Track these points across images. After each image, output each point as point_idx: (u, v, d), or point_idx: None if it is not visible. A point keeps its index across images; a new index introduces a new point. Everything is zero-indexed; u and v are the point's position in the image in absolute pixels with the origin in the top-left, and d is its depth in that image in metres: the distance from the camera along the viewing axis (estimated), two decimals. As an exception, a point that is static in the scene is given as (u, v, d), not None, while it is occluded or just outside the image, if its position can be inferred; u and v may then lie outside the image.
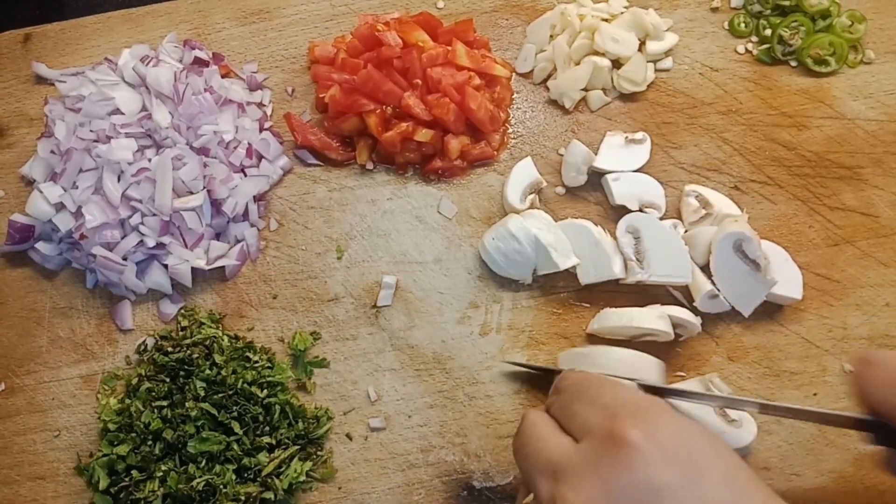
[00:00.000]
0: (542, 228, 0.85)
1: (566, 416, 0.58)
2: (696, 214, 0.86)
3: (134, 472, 0.79)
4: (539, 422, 0.60)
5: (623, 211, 0.88)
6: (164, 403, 0.81)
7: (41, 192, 0.88)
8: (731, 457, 0.52)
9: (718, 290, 0.82)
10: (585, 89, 0.96)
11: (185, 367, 0.83)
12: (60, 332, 0.90)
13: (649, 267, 0.82)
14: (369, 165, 0.95)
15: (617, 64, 0.96)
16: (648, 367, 0.77)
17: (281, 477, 0.79)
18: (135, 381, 0.84)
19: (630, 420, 0.52)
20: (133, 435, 0.80)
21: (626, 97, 0.97)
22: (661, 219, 0.87)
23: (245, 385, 0.81)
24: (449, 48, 0.92)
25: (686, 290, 0.86)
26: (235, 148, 0.92)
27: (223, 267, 0.90)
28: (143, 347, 0.87)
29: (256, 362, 0.84)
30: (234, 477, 0.78)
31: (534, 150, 0.95)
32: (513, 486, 0.80)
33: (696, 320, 0.81)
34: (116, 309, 0.90)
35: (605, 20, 0.97)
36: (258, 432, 0.80)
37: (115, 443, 0.81)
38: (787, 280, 0.82)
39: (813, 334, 0.84)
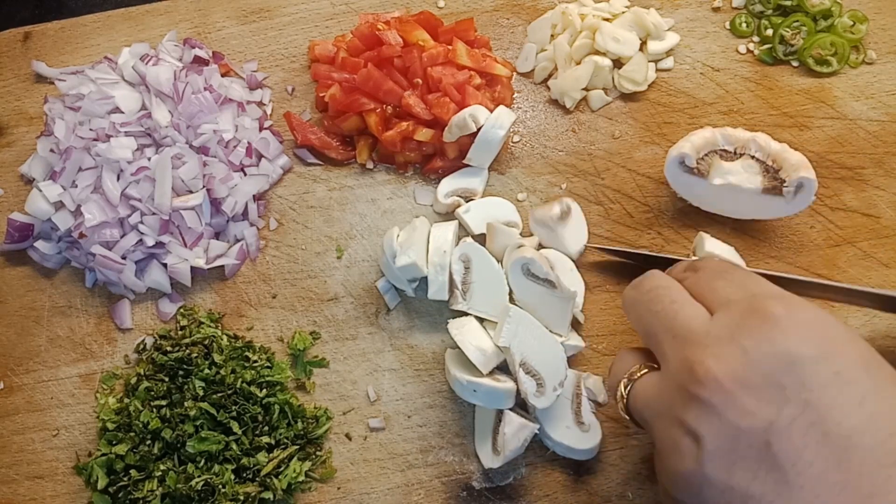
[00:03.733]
0: (416, 227, 0.85)
1: (704, 290, 0.59)
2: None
3: (133, 472, 0.79)
4: (673, 286, 0.61)
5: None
6: (163, 403, 0.81)
7: (40, 190, 0.88)
8: (865, 345, 0.53)
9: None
10: (586, 89, 0.96)
11: (184, 366, 0.82)
12: (59, 330, 0.90)
13: (471, 299, 0.81)
14: (369, 165, 0.95)
15: (618, 64, 0.96)
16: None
17: (280, 477, 0.79)
18: (134, 380, 0.84)
19: (772, 299, 0.53)
20: (132, 434, 0.80)
21: (627, 97, 0.96)
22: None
23: (244, 385, 0.81)
24: (449, 47, 0.92)
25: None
26: (235, 147, 0.92)
27: (222, 266, 0.90)
28: (142, 347, 0.87)
29: (255, 362, 0.84)
30: (232, 477, 0.78)
31: (534, 149, 0.95)
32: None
33: None
34: (115, 308, 0.90)
35: (607, 20, 0.96)
36: (257, 432, 0.80)
37: (114, 442, 0.80)
38: None
39: (814, 335, 0.84)
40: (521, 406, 0.79)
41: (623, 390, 0.62)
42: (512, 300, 0.81)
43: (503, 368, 0.78)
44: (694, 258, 0.74)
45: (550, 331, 0.79)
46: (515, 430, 0.74)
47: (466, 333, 0.77)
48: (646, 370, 0.61)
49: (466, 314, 0.82)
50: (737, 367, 0.51)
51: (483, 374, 0.76)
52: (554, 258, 0.86)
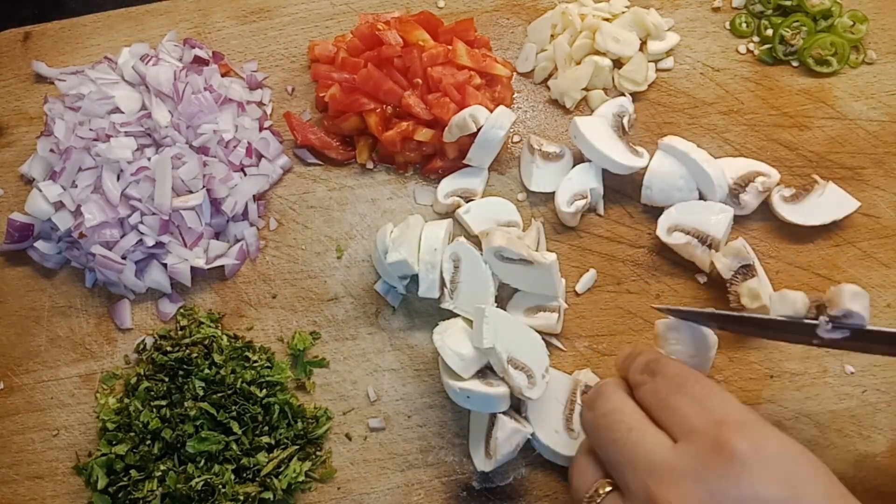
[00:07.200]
0: (409, 225, 0.85)
1: (662, 407, 0.58)
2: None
3: (132, 472, 0.79)
4: (628, 409, 0.59)
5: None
6: (163, 403, 0.81)
7: (40, 190, 0.88)
8: (829, 477, 0.52)
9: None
10: (586, 89, 0.96)
11: (184, 366, 0.82)
12: (59, 331, 0.90)
13: (457, 298, 0.82)
14: (369, 165, 0.95)
15: (618, 64, 0.96)
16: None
17: (280, 477, 0.79)
18: (134, 380, 0.84)
19: (737, 431, 0.52)
20: (132, 434, 0.80)
21: (627, 97, 0.96)
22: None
23: (244, 385, 0.81)
24: (449, 47, 0.92)
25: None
26: (235, 147, 0.92)
27: (222, 266, 0.90)
28: (142, 347, 0.87)
29: (256, 362, 0.84)
30: (232, 477, 0.78)
31: (534, 149, 0.95)
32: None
33: None
34: (115, 308, 0.90)
35: (607, 20, 0.96)
36: (257, 432, 0.80)
37: (114, 442, 0.80)
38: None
39: (814, 335, 0.84)
40: (515, 409, 0.79)
41: None
42: (495, 302, 0.82)
43: (495, 371, 0.78)
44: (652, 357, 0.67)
45: (545, 304, 0.81)
46: (508, 435, 0.74)
47: (448, 339, 0.77)
48: (609, 488, 0.59)
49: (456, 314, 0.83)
50: None
51: (464, 378, 0.76)
52: (527, 235, 0.86)
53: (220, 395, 0.80)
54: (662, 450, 0.55)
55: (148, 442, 0.80)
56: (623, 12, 0.98)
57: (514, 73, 0.99)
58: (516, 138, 0.96)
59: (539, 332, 0.80)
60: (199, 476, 0.77)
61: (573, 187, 0.88)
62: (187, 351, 0.83)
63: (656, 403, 0.59)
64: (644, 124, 0.94)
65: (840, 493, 0.52)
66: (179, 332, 0.87)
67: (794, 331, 0.68)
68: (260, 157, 0.94)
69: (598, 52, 0.95)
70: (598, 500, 0.58)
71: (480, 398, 0.74)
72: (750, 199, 0.85)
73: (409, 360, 0.86)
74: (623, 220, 0.90)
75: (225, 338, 0.86)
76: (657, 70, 0.97)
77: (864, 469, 0.78)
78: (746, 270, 0.80)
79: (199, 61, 0.96)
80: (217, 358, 0.82)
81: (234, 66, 1.00)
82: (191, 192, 0.88)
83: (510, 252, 0.79)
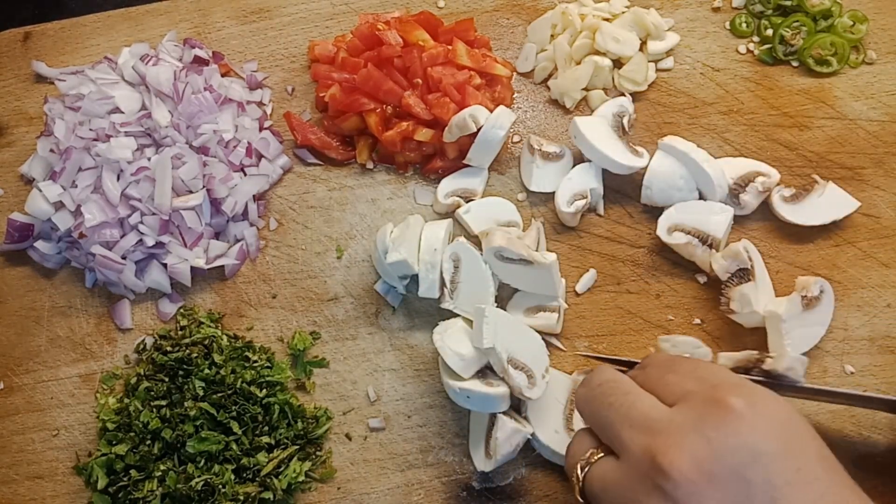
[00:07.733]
0: (409, 225, 0.85)
1: (656, 385, 0.59)
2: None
3: (132, 472, 0.79)
4: (623, 379, 0.61)
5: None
6: (163, 403, 0.81)
7: (40, 190, 0.88)
8: (819, 440, 0.54)
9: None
10: (586, 89, 0.96)
11: (184, 366, 0.82)
12: (59, 331, 0.90)
13: (457, 298, 0.83)
14: (369, 165, 0.95)
15: (618, 64, 0.96)
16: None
17: (280, 477, 0.79)
18: (133, 380, 0.84)
19: (733, 390, 0.53)
20: (132, 434, 0.80)
21: (627, 97, 0.96)
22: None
23: (244, 385, 0.81)
24: (449, 47, 0.92)
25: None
26: (235, 147, 0.92)
27: (222, 266, 0.90)
28: (142, 347, 0.87)
29: (256, 362, 0.84)
30: (232, 477, 0.78)
31: (534, 149, 0.95)
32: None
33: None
34: (115, 308, 0.90)
35: (607, 20, 0.96)
36: (257, 432, 0.80)
37: (114, 442, 0.80)
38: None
39: (814, 335, 0.84)
40: (515, 409, 0.79)
41: (580, 473, 0.60)
42: (495, 302, 0.82)
43: (495, 371, 0.78)
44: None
45: (545, 304, 0.82)
46: (508, 435, 0.74)
47: (448, 339, 0.77)
48: (602, 454, 0.59)
49: (456, 314, 0.83)
50: (702, 459, 0.50)
51: (464, 378, 0.76)
52: (527, 235, 0.87)
53: (220, 395, 0.80)
54: (659, 409, 0.56)
55: (148, 442, 0.80)
56: (623, 12, 0.98)
57: (514, 73, 0.99)
58: (516, 138, 0.96)
59: (539, 332, 0.80)
60: (199, 476, 0.77)
61: (573, 187, 0.88)
62: (187, 351, 0.83)
63: (650, 386, 0.60)
64: (644, 124, 0.94)
65: (829, 456, 0.53)
66: (179, 332, 0.87)
67: None
68: (260, 157, 0.94)
69: (598, 52, 0.95)
70: (593, 460, 0.59)
71: (480, 398, 0.74)
72: (750, 199, 0.85)
73: (409, 360, 0.86)
74: (623, 220, 0.90)
75: (225, 338, 0.86)
76: (657, 70, 0.97)
77: (863, 469, 0.78)
78: (743, 274, 0.80)
79: (199, 61, 0.96)
80: (217, 358, 0.82)
81: (234, 66, 1.00)
82: (191, 192, 0.88)
83: (510, 252, 0.79)
